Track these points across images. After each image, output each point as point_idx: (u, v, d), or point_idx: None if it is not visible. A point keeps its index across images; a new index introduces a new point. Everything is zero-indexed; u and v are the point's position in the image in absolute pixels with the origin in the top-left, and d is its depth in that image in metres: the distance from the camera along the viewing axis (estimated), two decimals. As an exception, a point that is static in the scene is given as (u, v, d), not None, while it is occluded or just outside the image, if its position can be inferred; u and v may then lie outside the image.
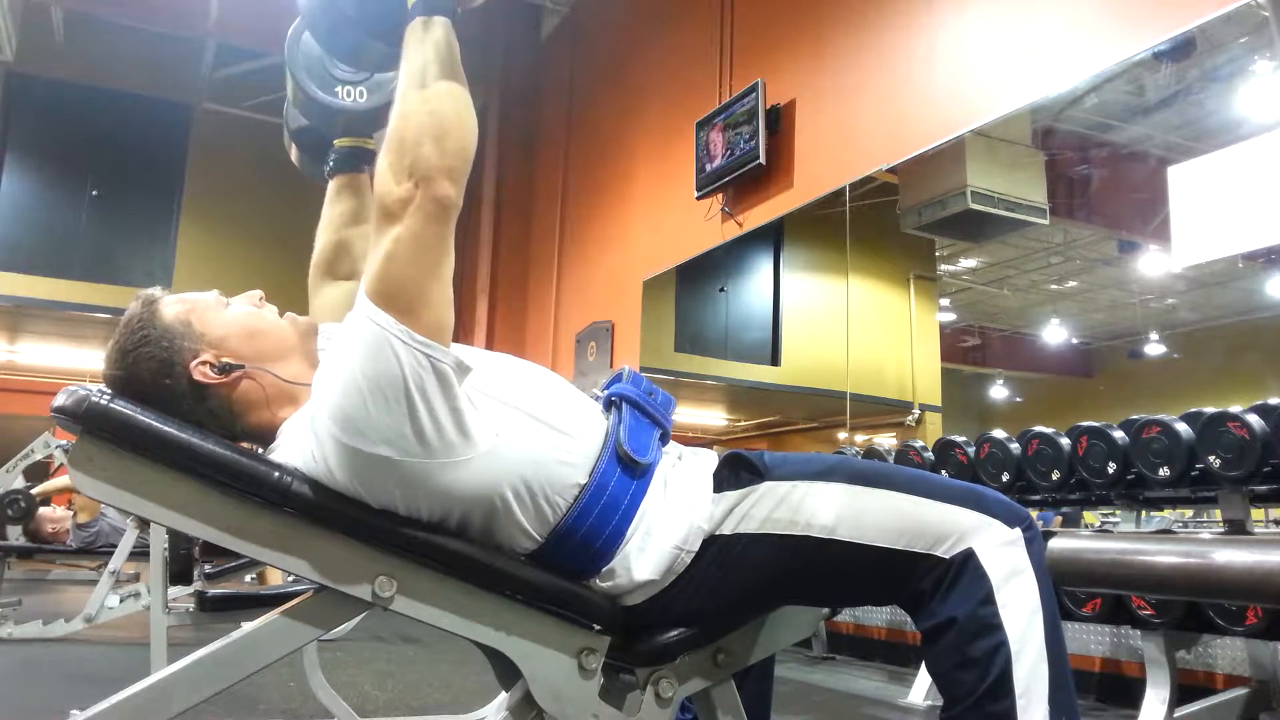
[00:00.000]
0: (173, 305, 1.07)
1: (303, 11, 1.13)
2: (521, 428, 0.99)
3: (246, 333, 1.07)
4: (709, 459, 1.11)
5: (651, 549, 1.00)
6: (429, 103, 0.95)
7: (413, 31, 0.98)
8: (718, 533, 1.02)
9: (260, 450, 1.08)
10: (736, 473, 1.06)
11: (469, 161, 0.96)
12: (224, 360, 1.04)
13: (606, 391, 1.11)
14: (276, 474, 0.94)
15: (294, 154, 1.42)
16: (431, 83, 0.96)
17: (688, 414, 7.19)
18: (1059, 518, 3.99)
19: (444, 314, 0.93)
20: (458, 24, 1.00)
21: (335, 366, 0.92)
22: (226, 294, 1.12)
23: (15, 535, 4.71)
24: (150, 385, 1.02)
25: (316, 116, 1.31)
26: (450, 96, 0.96)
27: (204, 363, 1.03)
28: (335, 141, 1.35)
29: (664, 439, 1.10)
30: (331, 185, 1.40)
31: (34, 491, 4.68)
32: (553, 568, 1.03)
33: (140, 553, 3.62)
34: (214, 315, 1.07)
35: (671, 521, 1.02)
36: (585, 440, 1.03)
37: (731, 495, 1.04)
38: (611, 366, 5.62)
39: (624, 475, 1.01)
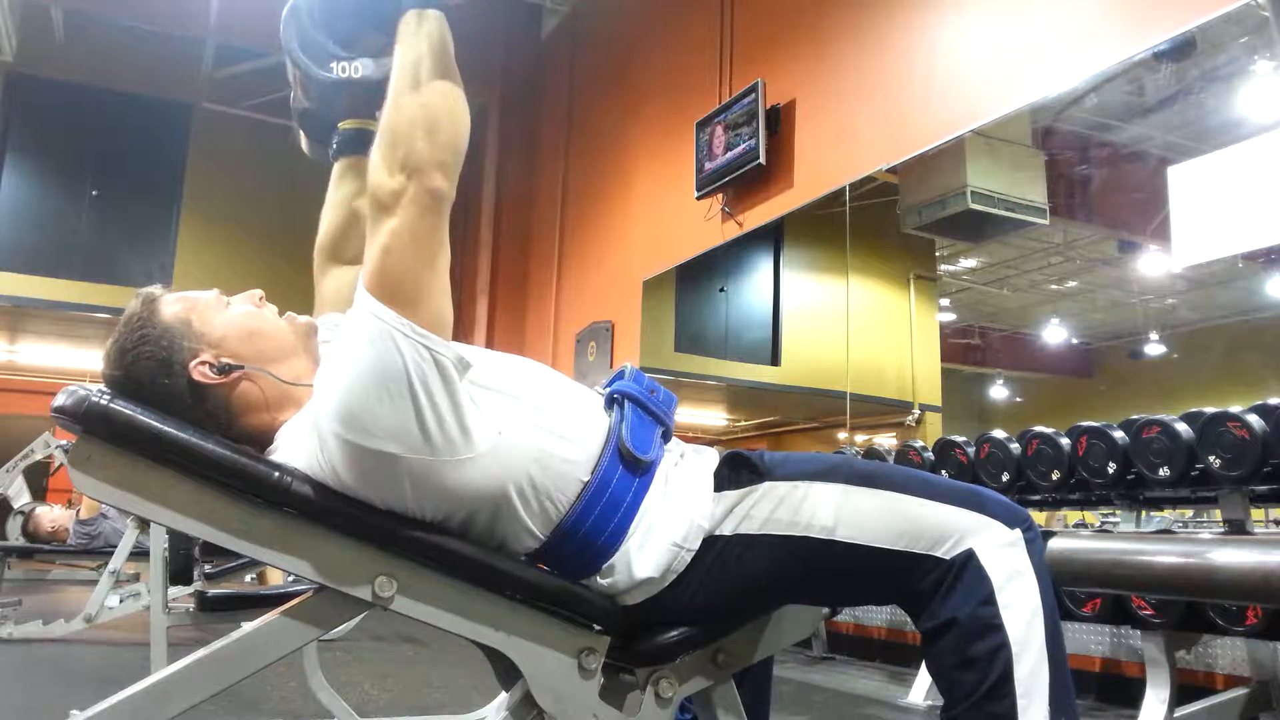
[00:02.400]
0: (173, 304, 1.06)
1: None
2: (524, 426, 0.99)
3: (246, 333, 1.07)
4: (710, 457, 1.11)
5: (652, 546, 1.00)
6: (421, 95, 0.95)
7: (406, 24, 0.99)
8: (718, 533, 1.02)
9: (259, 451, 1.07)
10: (737, 472, 1.06)
11: (461, 154, 0.97)
12: (223, 360, 1.04)
13: (609, 389, 1.11)
14: (276, 474, 0.94)
15: (302, 141, 1.42)
16: (424, 76, 0.96)
17: (688, 414, 7.19)
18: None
19: (443, 307, 0.94)
20: (452, 17, 1.01)
21: (339, 364, 0.92)
22: (227, 294, 1.12)
23: (15, 535, 4.72)
24: (149, 385, 1.02)
25: (316, 96, 1.30)
26: (442, 90, 0.97)
27: (203, 363, 1.03)
28: (339, 124, 1.35)
29: (666, 436, 1.10)
30: (336, 167, 1.39)
31: (37, 513, 4.71)
32: (555, 565, 1.03)
33: (140, 553, 3.62)
34: (214, 315, 1.07)
35: (672, 519, 1.02)
36: (588, 438, 1.02)
37: (732, 495, 1.04)
38: (611, 367, 5.62)
39: (626, 473, 1.01)
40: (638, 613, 1.03)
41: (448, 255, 0.96)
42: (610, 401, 1.09)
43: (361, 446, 0.91)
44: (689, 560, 1.01)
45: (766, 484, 1.04)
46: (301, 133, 1.40)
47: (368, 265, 0.93)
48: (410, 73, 0.96)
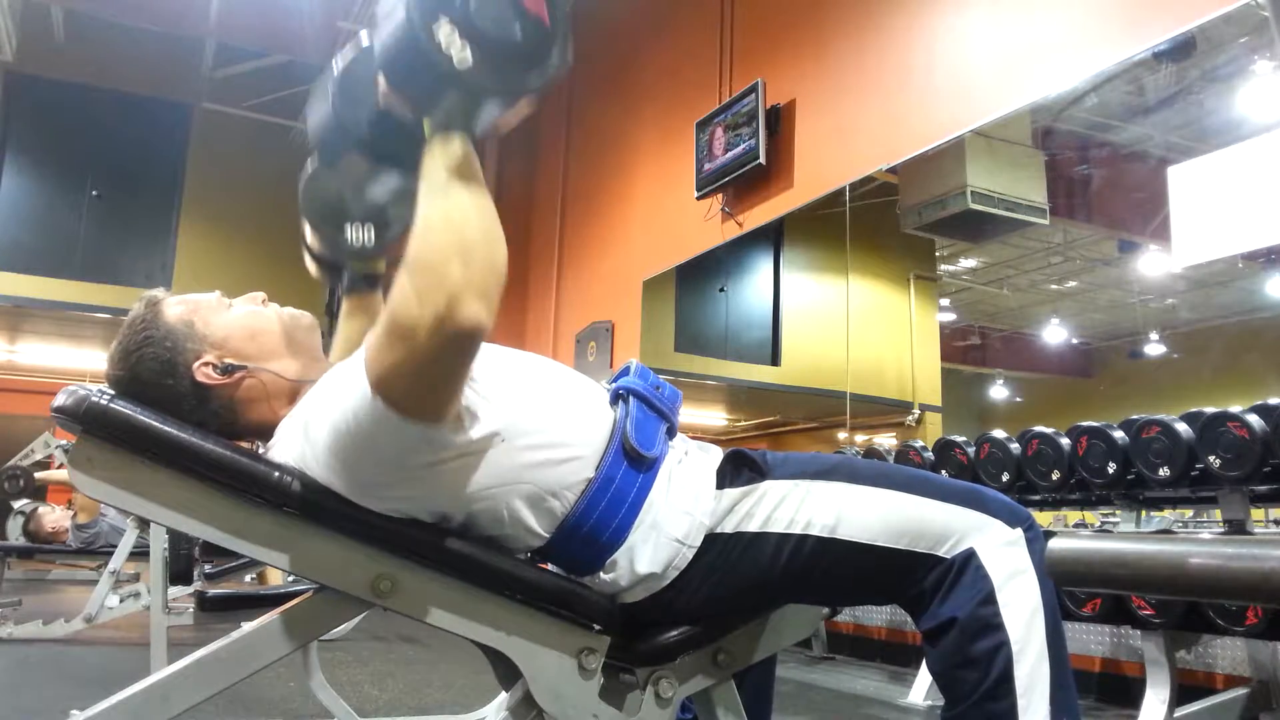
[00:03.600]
0: (175, 306, 1.08)
1: (314, 144, 1.08)
2: (528, 425, 0.99)
3: (248, 333, 1.08)
4: (714, 455, 1.12)
5: (655, 543, 1.00)
6: (452, 219, 0.88)
7: (432, 150, 0.92)
8: (719, 531, 1.03)
9: (260, 445, 1.08)
10: (739, 471, 1.07)
11: (501, 278, 0.88)
12: (226, 361, 1.05)
13: (614, 385, 1.11)
14: (276, 474, 0.94)
15: (310, 265, 1.42)
16: (455, 199, 0.89)
17: (688, 414, 7.18)
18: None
19: (452, 406, 0.91)
20: (477, 143, 0.94)
21: (333, 431, 0.91)
22: (227, 294, 1.13)
23: (15, 535, 4.72)
24: (153, 386, 1.03)
25: (328, 249, 1.31)
26: (475, 211, 0.89)
27: (207, 364, 1.04)
28: (348, 265, 1.35)
29: (671, 433, 1.10)
30: (345, 304, 1.40)
31: (38, 475, 4.69)
32: (559, 561, 1.03)
33: (140, 553, 3.62)
34: (216, 316, 1.08)
35: (675, 516, 1.02)
36: (592, 434, 1.03)
37: (734, 493, 1.04)
38: (611, 367, 5.63)
39: (630, 469, 1.01)
40: (639, 610, 1.03)
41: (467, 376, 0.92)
42: (615, 397, 1.09)
43: (355, 481, 0.94)
44: (690, 557, 1.01)
45: (768, 483, 1.04)
46: (309, 258, 1.39)
47: (376, 368, 0.86)
48: (438, 196, 0.89)
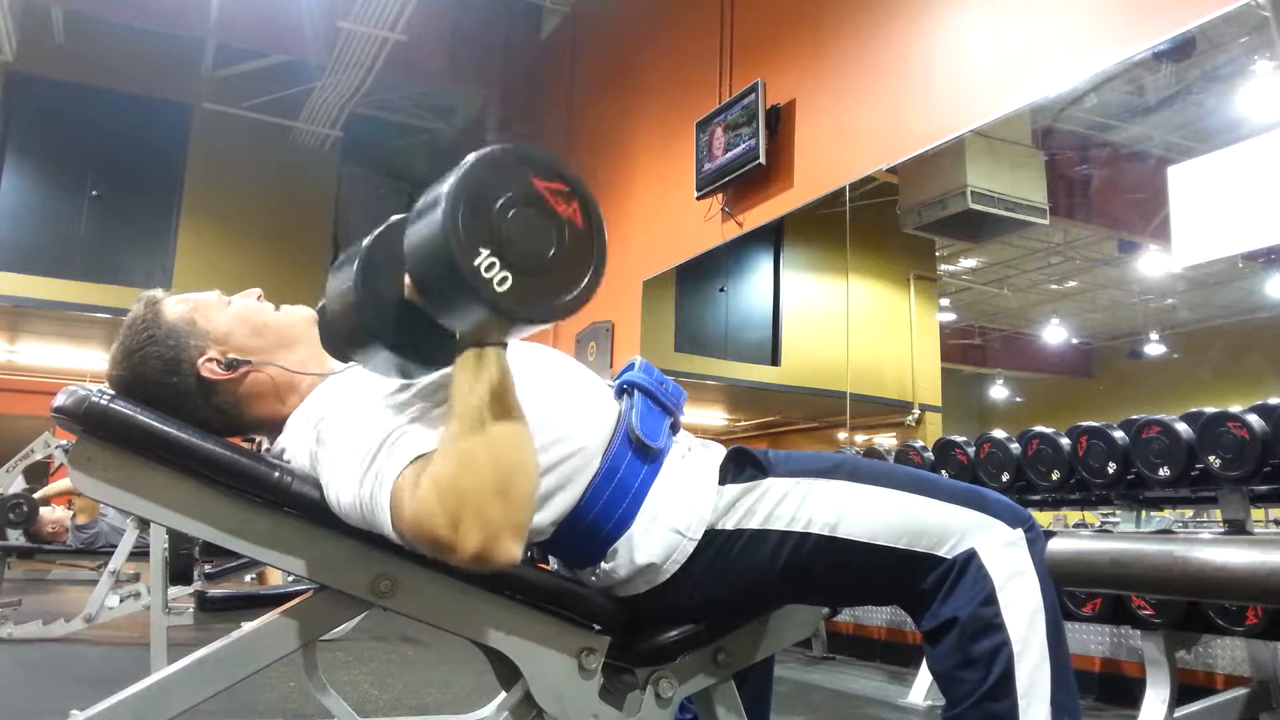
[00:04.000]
0: (176, 305, 1.08)
1: (324, 334, 1.03)
2: (535, 420, 0.98)
3: (250, 328, 1.09)
4: (717, 452, 1.12)
5: (655, 532, 1.01)
6: (493, 450, 0.84)
7: (464, 364, 0.87)
8: (719, 527, 1.03)
9: (267, 441, 1.09)
10: (741, 468, 1.07)
11: (534, 507, 0.88)
12: (230, 356, 1.06)
13: (619, 380, 1.12)
14: (276, 474, 0.94)
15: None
16: (491, 426, 0.84)
17: (688, 414, 7.16)
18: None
19: None
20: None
21: (353, 499, 0.89)
22: (227, 293, 1.14)
23: (15, 535, 4.71)
24: (156, 384, 1.03)
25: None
26: (514, 441, 0.86)
27: (211, 359, 1.05)
28: None
29: (675, 428, 1.11)
30: None
31: (36, 495, 4.69)
32: (561, 551, 1.03)
33: (140, 553, 3.61)
34: (217, 313, 1.09)
35: (677, 508, 1.02)
36: (597, 426, 1.03)
37: (735, 489, 1.04)
38: (612, 367, 5.62)
39: (635, 459, 1.02)
40: (638, 606, 1.03)
41: None
42: (620, 391, 1.10)
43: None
44: (690, 551, 1.01)
45: (770, 480, 1.04)
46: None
47: (403, 533, 0.86)
48: (473, 421, 0.84)
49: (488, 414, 0.85)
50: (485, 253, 0.82)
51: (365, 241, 0.95)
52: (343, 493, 0.90)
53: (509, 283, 0.83)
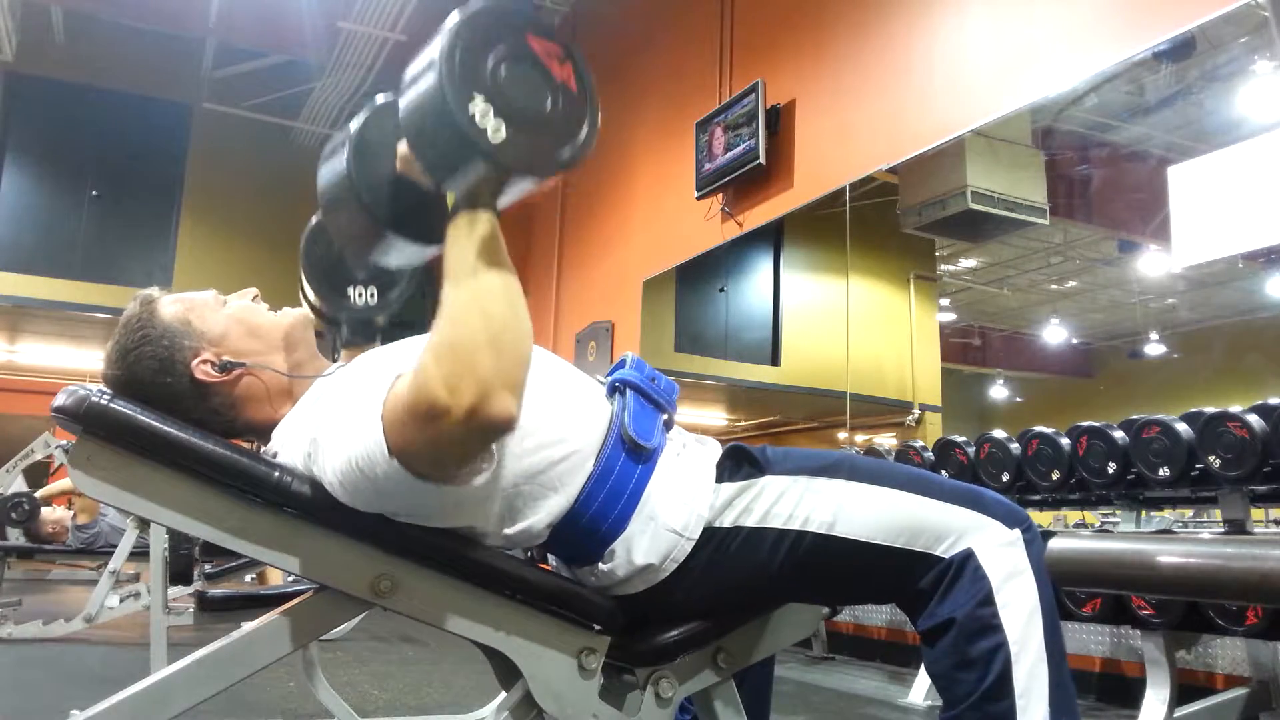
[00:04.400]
0: (171, 305, 1.07)
1: (324, 210, 1.05)
2: (528, 426, 0.98)
3: (246, 330, 1.08)
4: (713, 448, 1.11)
5: (653, 533, 1.00)
6: (482, 303, 0.86)
7: (457, 225, 0.89)
8: (717, 525, 1.02)
9: (260, 445, 1.08)
10: (739, 465, 1.06)
11: (529, 365, 0.87)
12: (225, 358, 1.05)
13: (610, 378, 1.11)
14: (276, 474, 0.94)
15: (305, 293, 1.40)
16: (484, 281, 0.87)
17: (688, 414, 7.19)
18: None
19: (475, 473, 0.91)
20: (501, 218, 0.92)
21: (345, 465, 0.89)
22: (224, 294, 1.13)
23: (15, 535, 4.71)
24: (151, 385, 1.03)
25: (327, 307, 1.29)
26: (505, 295, 0.88)
27: (205, 361, 1.04)
28: (346, 321, 1.35)
29: (668, 425, 1.10)
30: (343, 356, 1.41)
31: (38, 495, 4.69)
32: (558, 552, 1.03)
33: (140, 553, 3.62)
34: (212, 314, 1.08)
35: (674, 507, 1.02)
36: (590, 428, 1.03)
37: (732, 487, 1.04)
38: (611, 366, 5.62)
39: (629, 460, 1.01)
40: (637, 605, 1.03)
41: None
42: (612, 390, 1.09)
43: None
44: (688, 550, 1.01)
45: (767, 478, 1.04)
46: (305, 288, 1.37)
47: (396, 438, 0.84)
48: (466, 279, 0.87)
49: (480, 273, 0.87)
50: (479, 98, 0.83)
51: (355, 122, 0.98)
52: (337, 461, 0.89)
53: (503, 133, 0.84)
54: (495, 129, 0.83)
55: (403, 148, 0.92)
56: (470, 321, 0.84)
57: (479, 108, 0.83)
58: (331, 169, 0.97)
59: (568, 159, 0.89)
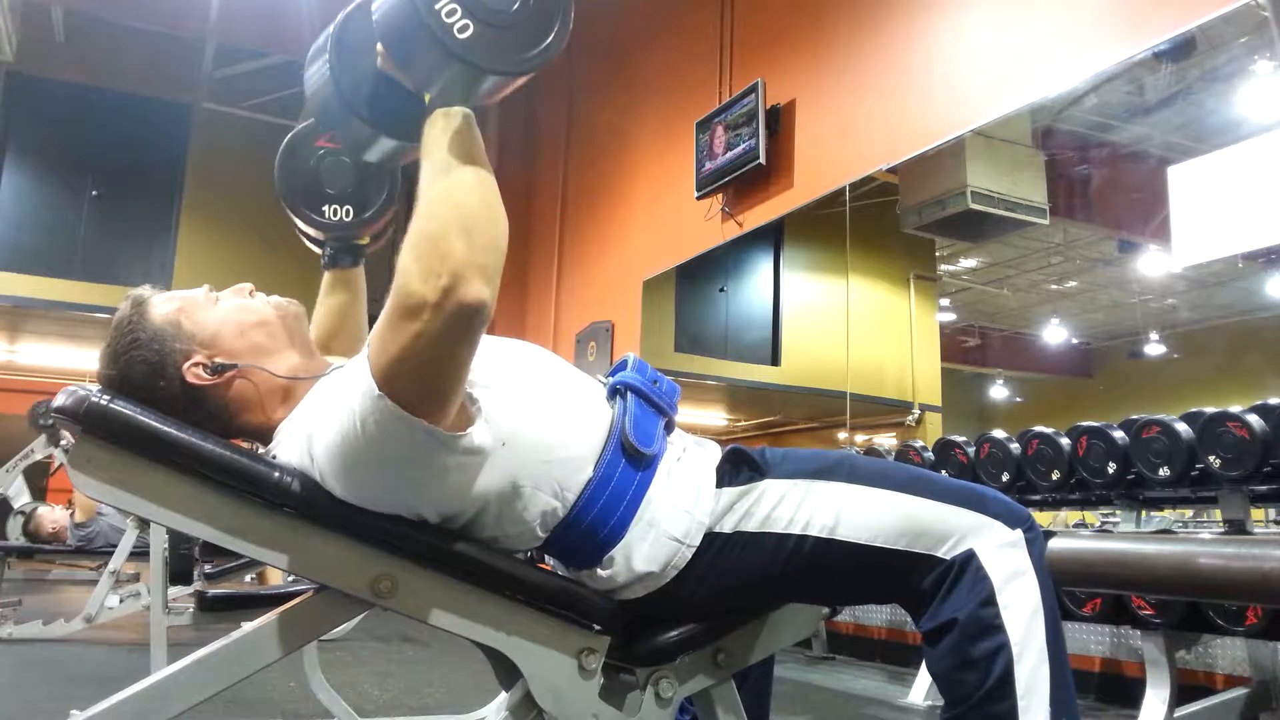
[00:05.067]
0: (162, 305, 1.06)
1: (311, 111, 1.08)
2: (528, 424, 0.98)
3: (238, 329, 1.06)
4: (713, 452, 1.11)
5: (653, 541, 1.00)
6: (454, 195, 0.88)
7: (433, 124, 0.92)
8: (718, 530, 1.02)
9: (259, 447, 1.08)
10: (738, 469, 1.06)
11: (503, 256, 0.88)
12: (216, 361, 1.03)
13: (611, 379, 1.10)
14: (276, 474, 0.94)
15: (299, 228, 1.43)
16: (456, 174, 0.89)
17: (688, 414, 7.18)
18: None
19: (458, 399, 0.91)
20: (478, 114, 0.94)
21: (340, 436, 0.89)
22: (218, 289, 1.11)
23: (15, 535, 4.72)
24: (144, 389, 1.01)
25: (305, 225, 1.32)
26: (478, 188, 0.89)
27: (196, 364, 1.02)
28: (328, 240, 1.36)
29: (669, 428, 1.10)
30: (326, 278, 1.41)
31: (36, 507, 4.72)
32: (557, 557, 1.03)
33: (140, 553, 3.62)
34: (203, 313, 1.06)
35: (674, 514, 1.01)
36: (591, 431, 1.02)
37: (733, 491, 1.04)
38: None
39: (629, 466, 1.01)
40: (638, 608, 1.03)
41: (474, 354, 0.90)
42: (613, 392, 1.08)
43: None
44: (689, 557, 1.01)
45: (767, 481, 1.04)
46: (294, 219, 1.40)
47: (382, 358, 0.85)
48: (441, 172, 0.89)
49: (453, 168, 0.89)
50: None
51: (335, 23, 1.01)
52: (330, 436, 0.90)
53: (470, 31, 0.86)
54: (463, 27, 0.86)
55: (380, 49, 0.95)
56: (443, 213, 0.86)
57: (446, 6, 0.86)
58: (316, 66, 1.02)
59: (537, 58, 0.91)
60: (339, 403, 0.90)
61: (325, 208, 1.25)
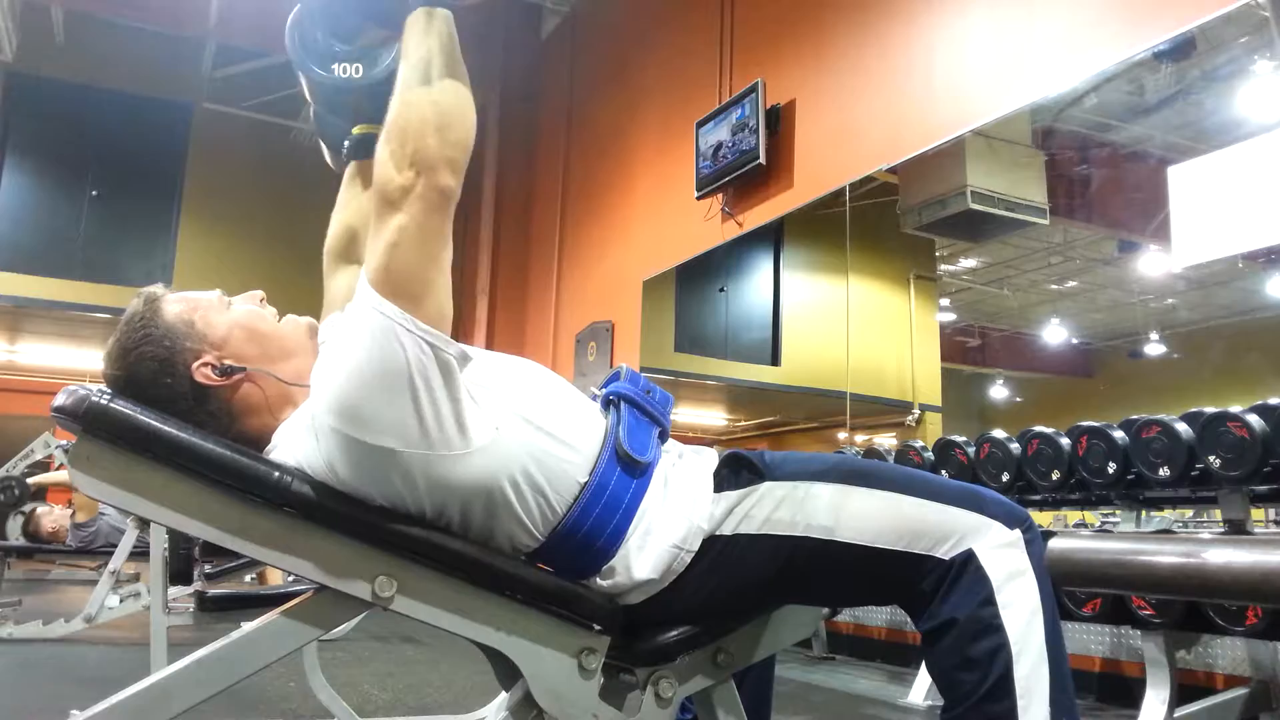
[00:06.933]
0: (175, 304, 1.06)
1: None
2: (521, 424, 0.99)
3: (249, 334, 1.07)
4: (709, 458, 1.11)
5: (651, 548, 1.00)
6: (431, 93, 0.96)
7: (415, 21, 0.99)
8: (718, 533, 1.02)
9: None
10: (737, 472, 1.06)
11: (469, 152, 0.98)
12: (226, 362, 1.04)
13: (604, 390, 1.11)
14: (276, 474, 0.94)
15: (325, 154, 1.44)
16: (434, 74, 0.97)
17: (688, 414, 7.19)
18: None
19: (446, 303, 0.94)
20: (458, 17, 1.02)
21: (338, 357, 0.92)
22: (228, 294, 1.12)
23: (15, 535, 4.72)
24: (150, 385, 1.02)
25: (323, 100, 1.33)
26: (453, 88, 0.97)
27: (206, 364, 1.03)
28: (352, 130, 1.37)
29: (663, 437, 1.10)
30: (348, 170, 1.40)
31: (30, 480, 4.69)
32: (555, 566, 1.03)
33: (140, 553, 3.62)
34: (216, 316, 1.07)
35: (671, 521, 1.01)
36: (585, 440, 1.02)
37: (731, 495, 1.04)
38: (612, 367, 5.62)
39: (624, 475, 1.01)
40: (638, 611, 1.03)
41: (450, 252, 0.96)
42: (607, 403, 1.09)
43: (359, 441, 0.91)
44: (688, 562, 1.01)
45: (766, 484, 1.04)
46: (323, 144, 1.42)
47: (372, 260, 0.93)
48: (420, 70, 0.97)
49: (432, 66, 0.97)
50: None
51: None
52: (328, 392, 0.92)
53: None
54: None
55: None
56: (421, 109, 0.95)
57: None
58: None
59: None
60: (338, 346, 0.93)
61: (335, 66, 1.27)
